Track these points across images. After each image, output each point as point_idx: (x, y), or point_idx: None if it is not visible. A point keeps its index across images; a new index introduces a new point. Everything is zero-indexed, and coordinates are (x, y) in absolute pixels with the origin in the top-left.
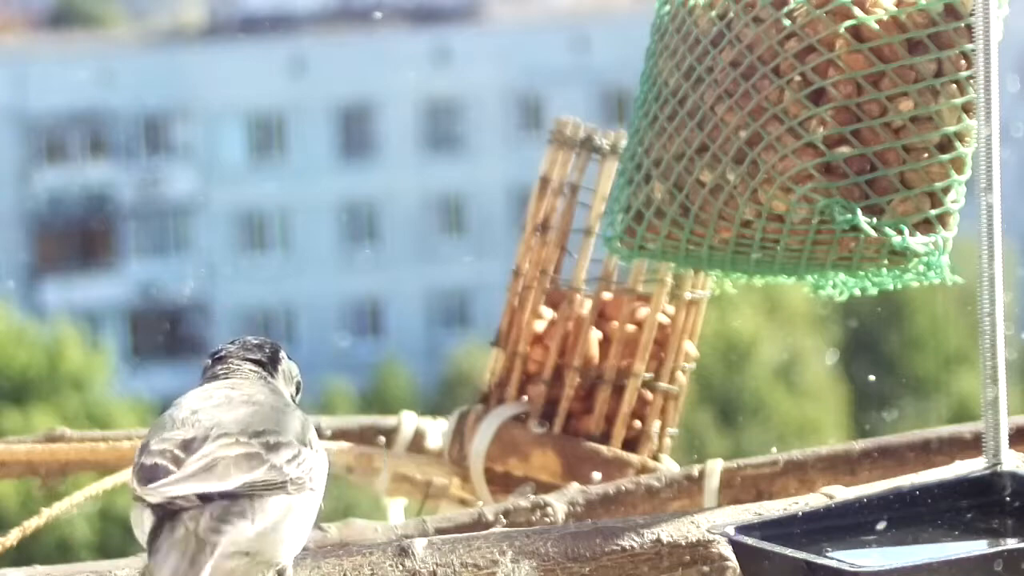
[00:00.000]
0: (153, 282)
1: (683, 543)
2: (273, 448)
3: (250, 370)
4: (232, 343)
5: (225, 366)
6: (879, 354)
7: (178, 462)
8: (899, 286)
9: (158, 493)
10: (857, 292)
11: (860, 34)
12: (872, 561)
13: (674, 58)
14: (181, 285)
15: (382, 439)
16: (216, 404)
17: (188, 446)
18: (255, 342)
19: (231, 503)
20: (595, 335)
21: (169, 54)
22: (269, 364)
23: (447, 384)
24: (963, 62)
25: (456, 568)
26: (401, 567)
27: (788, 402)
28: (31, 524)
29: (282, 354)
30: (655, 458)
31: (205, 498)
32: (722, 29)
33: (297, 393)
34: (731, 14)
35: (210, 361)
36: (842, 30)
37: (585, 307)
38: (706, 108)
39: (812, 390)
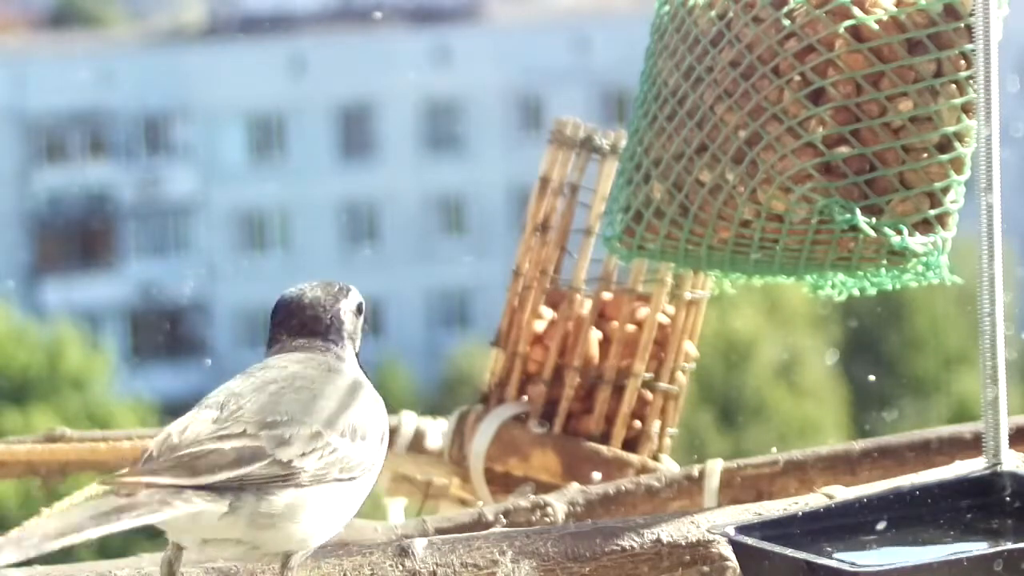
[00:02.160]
0: (153, 282)
1: (683, 543)
2: (285, 442)
3: (311, 344)
4: (294, 305)
5: (287, 341)
6: (879, 354)
7: (173, 449)
8: (898, 286)
9: (130, 484)
10: (856, 292)
11: (860, 34)
12: (872, 561)
13: (674, 58)
14: (181, 285)
15: None
16: (254, 388)
17: (183, 432)
18: (312, 310)
19: (217, 494)
20: (595, 335)
21: (169, 54)
22: (333, 329)
23: (447, 384)
24: (963, 62)
25: (456, 568)
26: (401, 567)
27: (788, 402)
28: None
29: (342, 307)
30: (655, 458)
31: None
32: (721, 29)
33: (365, 324)
34: (731, 14)
35: (272, 329)
36: (841, 30)
37: (585, 307)
38: (705, 108)
39: (812, 390)
